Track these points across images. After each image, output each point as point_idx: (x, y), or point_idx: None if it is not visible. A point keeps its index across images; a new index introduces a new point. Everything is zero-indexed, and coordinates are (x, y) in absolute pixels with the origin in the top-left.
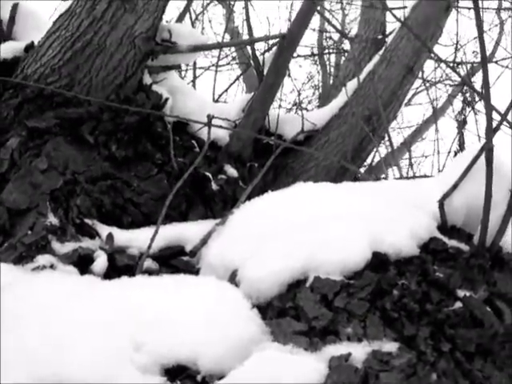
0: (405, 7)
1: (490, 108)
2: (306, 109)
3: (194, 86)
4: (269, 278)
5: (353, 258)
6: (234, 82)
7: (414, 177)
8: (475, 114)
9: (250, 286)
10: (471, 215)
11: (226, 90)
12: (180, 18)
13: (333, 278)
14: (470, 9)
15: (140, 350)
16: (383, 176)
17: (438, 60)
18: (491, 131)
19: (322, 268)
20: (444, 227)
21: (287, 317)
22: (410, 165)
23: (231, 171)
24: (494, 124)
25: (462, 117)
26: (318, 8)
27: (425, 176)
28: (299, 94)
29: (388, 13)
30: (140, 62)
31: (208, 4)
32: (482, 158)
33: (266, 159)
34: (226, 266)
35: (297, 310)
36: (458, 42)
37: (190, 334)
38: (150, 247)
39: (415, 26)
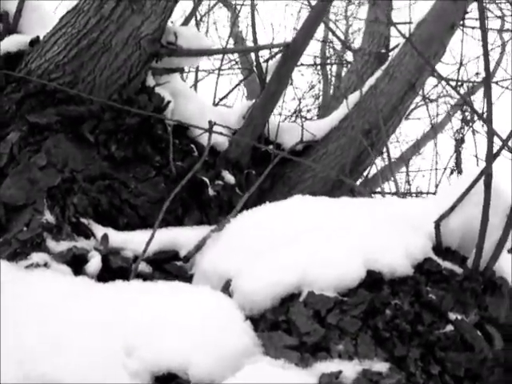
0: (410, 22)
1: (491, 133)
2: (305, 117)
3: (195, 88)
4: (263, 291)
5: (348, 275)
6: (235, 88)
7: (410, 192)
8: (473, 133)
9: (243, 296)
10: (466, 238)
11: (227, 95)
12: (186, 21)
13: (326, 294)
14: (473, 28)
15: (132, 355)
16: (378, 189)
17: (440, 78)
18: (491, 156)
19: (317, 283)
20: (439, 248)
21: (279, 330)
22: (407, 181)
23: (228, 177)
24: (495, 148)
25: (460, 135)
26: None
27: (420, 192)
28: (300, 103)
29: (392, 27)
30: (144, 63)
31: (213, 6)
32: (481, 182)
33: (264, 167)
34: (219, 275)
35: (289, 324)
36: (461, 61)
37: (183, 343)
38: (145, 251)
39: (419, 43)
